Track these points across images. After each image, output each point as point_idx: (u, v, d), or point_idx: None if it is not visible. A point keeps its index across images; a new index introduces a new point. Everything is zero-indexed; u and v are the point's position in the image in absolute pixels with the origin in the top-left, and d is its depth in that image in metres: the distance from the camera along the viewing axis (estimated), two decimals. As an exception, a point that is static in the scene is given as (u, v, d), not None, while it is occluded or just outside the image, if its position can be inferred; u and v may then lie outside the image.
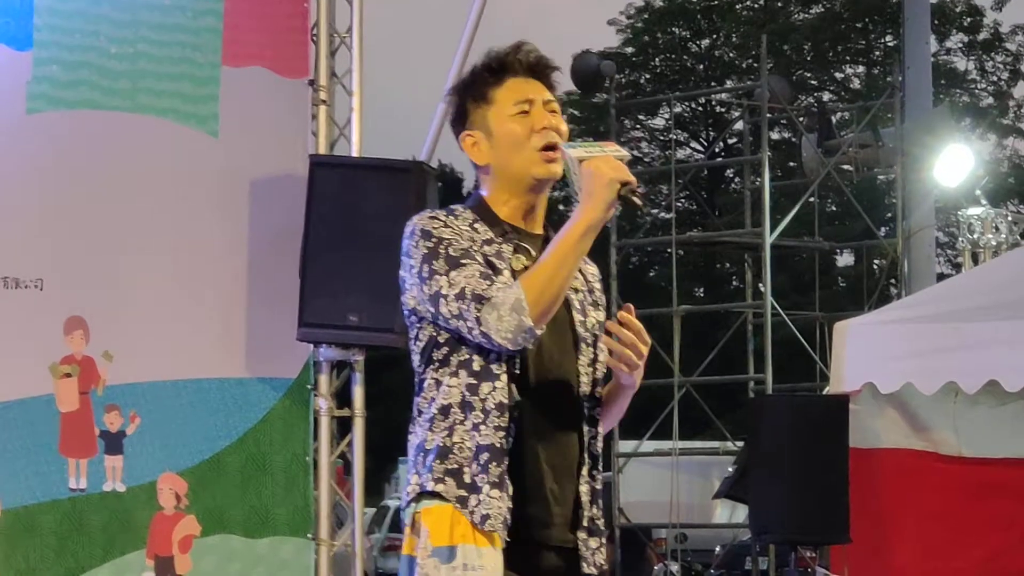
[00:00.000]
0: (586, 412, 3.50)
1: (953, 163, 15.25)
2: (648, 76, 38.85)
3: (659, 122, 38.96)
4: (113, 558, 7.25)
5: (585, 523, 3.47)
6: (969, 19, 35.88)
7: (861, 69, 37.44)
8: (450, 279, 3.36)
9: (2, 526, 7.03)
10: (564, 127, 3.54)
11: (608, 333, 3.53)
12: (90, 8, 7.46)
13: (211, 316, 7.56)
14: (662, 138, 38.83)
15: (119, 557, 7.25)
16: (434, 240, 3.41)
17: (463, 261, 3.38)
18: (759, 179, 16.46)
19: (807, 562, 9.42)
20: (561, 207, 17.09)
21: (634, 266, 37.55)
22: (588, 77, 16.44)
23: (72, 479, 7.22)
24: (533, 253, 3.47)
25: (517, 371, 3.39)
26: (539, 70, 3.57)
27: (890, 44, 35.09)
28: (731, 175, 37.08)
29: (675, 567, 15.68)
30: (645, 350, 3.48)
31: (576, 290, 3.54)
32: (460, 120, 3.58)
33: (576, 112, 39.55)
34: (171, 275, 7.50)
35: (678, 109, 35.85)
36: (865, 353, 8.52)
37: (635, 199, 3.37)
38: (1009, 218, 14.00)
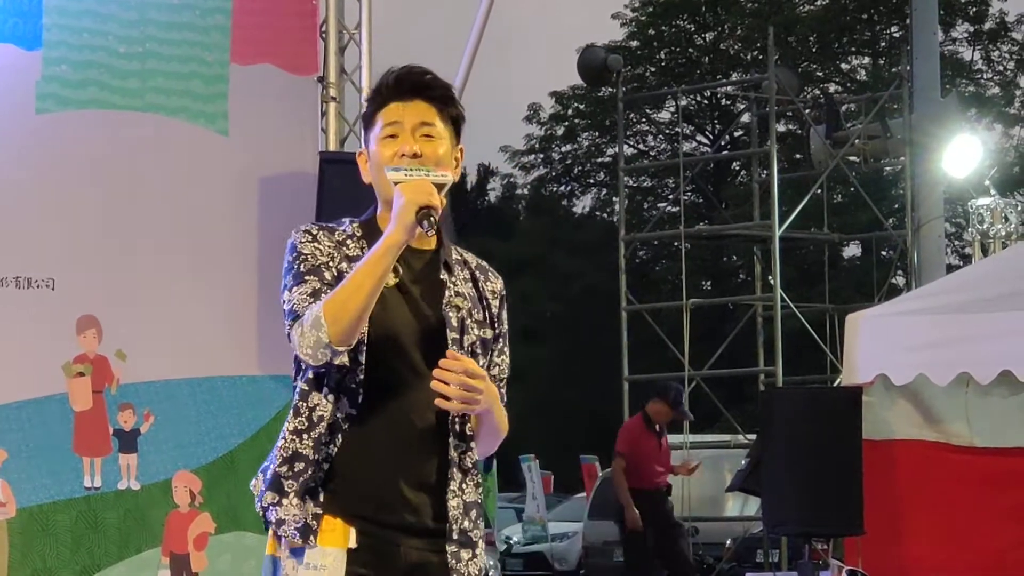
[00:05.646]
0: (457, 427, 3.55)
1: (961, 153, 15.21)
2: (653, 69, 38.79)
3: (665, 115, 38.92)
4: (129, 556, 7.26)
5: (456, 536, 3.53)
6: (975, 9, 35.82)
7: (867, 60, 37.38)
8: (290, 294, 3.48)
9: (18, 525, 7.04)
10: (441, 150, 3.56)
11: (487, 348, 3.58)
12: (99, 8, 7.45)
13: (223, 314, 7.56)
14: (668, 131, 38.80)
15: (135, 555, 7.26)
16: (295, 255, 3.52)
17: (306, 278, 3.48)
18: (766, 171, 16.45)
19: (820, 554, 9.40)
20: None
21: (641, 260, 37.53)
22: (595, 71, 16.44)
23: (87, 477, 7.22)
24: (402, 271, 3.51)
25: (356, 384, 3.46)
26: (427, 93, 3.59)
27: (896, 35, 35.04)
28: (737, 168, 37.05)
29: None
30: (480, 383, 3.45)
31: (457, 308, 3.57)
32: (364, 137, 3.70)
33: (581, 106, 39.54)
34: (183, 273, 7.50)
35: (684, 102, 35.81)
36: (878, 345, 8.51)
37: (425, 223, 3.42)
38: (1019, 208, 13.96)
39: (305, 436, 3.45)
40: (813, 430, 8.43)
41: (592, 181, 41.87)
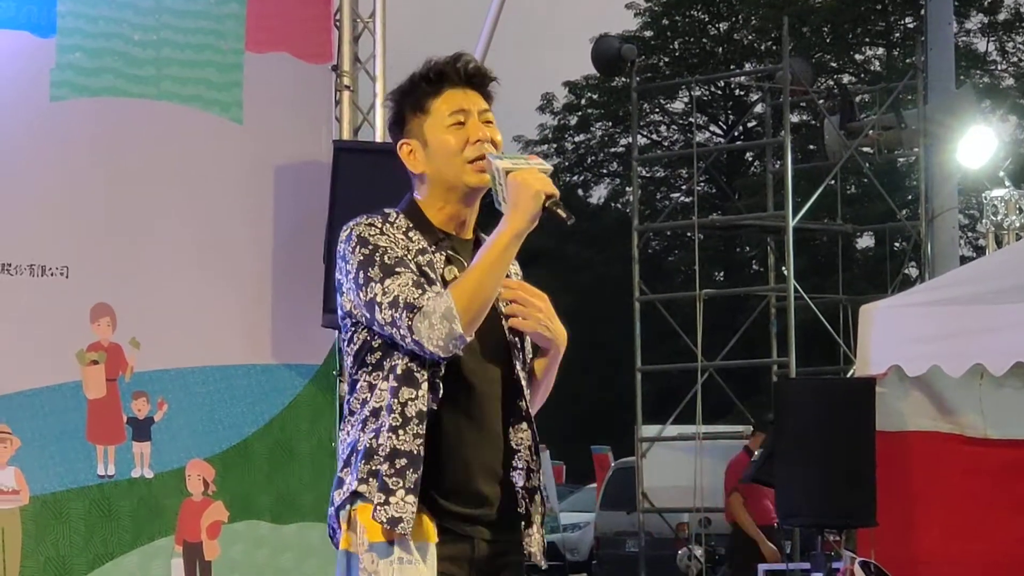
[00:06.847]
0: (525, 412, 3.60)
1: (976, 144, 15.17)
2: (667, 59, 38.76)
3: (679, 106, 38.90)
4: (142, 544, 7.26)
5: (536, 519, 3.63)
6: None
7: (881, 51, 37.31)
8: (384, 287, 3.44)
9: (31, 513, 7.04)
10: (499, 137, 3.61)
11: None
12: (114, -5, 7.45)
13: (237, 302, 7.56)
14: (682, 122, 38.77)
15: (148, 543, 7.27)
16: (370, 247, 3.49)
17: (398, 269, 3.46)
18: (780, 162, 16.42)
19: (833, 546, 9.39)
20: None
21: (654, 250, 37.50)
22: (609, 60, 16.39)
23: (100, 465, 7.23)
24: (465, 264, 3.55)
25: (439, 379, 3.47)
26: (477, 81, 3.62)
27: (910, 26, 34.96)
28: (750, 158, 37.00)
29: (699, 551, 15.67)
30: (544, 304, 3.58)
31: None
32: (398, 127, 3.64)
33: (595, 96, 39.51)
34: (197, 262, 7.50)
35: (698, 92, 35.75)
36: (891, 336, 8.50)
37: (559, 212, 3.48)
38: (1033, 199, 13.91)
39: (402, 432, 3.44)
40: (826, 421, 8.41)
41: (605, 171, 41.85)
